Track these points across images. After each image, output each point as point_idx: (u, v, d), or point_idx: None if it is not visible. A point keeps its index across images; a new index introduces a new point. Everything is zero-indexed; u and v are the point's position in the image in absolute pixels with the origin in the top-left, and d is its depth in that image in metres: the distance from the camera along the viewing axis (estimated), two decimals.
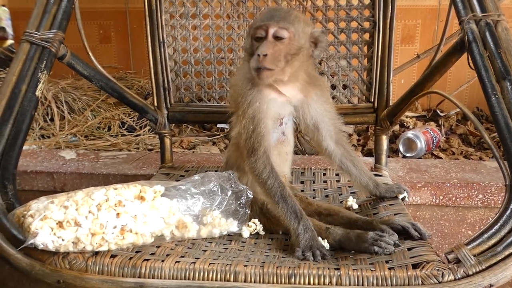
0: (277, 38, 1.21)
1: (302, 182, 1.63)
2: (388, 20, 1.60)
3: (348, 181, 1.58)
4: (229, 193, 1.24)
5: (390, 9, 1.59)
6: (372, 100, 1.65)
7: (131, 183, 1.16)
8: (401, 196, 1.39)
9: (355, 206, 1.40)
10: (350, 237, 1.15)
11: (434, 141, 2.46)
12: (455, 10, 1.25)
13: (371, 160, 1.69)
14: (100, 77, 1.49)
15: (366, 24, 1.63)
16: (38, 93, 1.24)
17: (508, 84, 1.09)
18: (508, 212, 0.99)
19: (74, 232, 1.03)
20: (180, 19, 1.69)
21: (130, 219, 1.09)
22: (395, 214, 1.29)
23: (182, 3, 1.68)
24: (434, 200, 1.96)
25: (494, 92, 1.10)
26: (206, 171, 1.64)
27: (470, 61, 1.19)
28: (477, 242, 0.98)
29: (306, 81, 1.29)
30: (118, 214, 1.08)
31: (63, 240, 1.03)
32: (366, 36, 1.65)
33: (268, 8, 1.34)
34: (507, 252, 0.95)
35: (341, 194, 1.51)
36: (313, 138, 1.37)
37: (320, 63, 1.68)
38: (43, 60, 1.27)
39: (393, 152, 2.53)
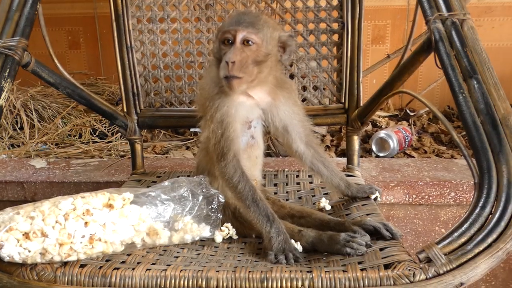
0: (246, 43, 1.19)
1: (275, 185, 1.62)
2: (357, 21, 1.60)
3: (321, 182, 1.58)
4: (200, 198, 1.22)
5: (358, 10, 1.59)
6: (343, 101, 1.66)
7: (100, 191, 1.14)
8: (373, 196, 1.39)
9: (328, 207, 1.40)
10: (322, 239, 1.15)
11: (406, 140, 2.48)
12: (422, 10, 1.26)
13: (344, 160, 1.69)
14: (66, 84, 1.46)
15: (335, 25, 1.64)
16: (1, 102, 1.21)
17: (475, 82, 1.10)
18: (477, 210, 1.00)
19: (41, 243, 1.01)
20: (148, 23, 1.67)
21: (99, 227, 1.07)
22: (367, 215, 1.29)
23: (149, 8, 1.66)
24: (407, 199, 1.98)
25: (461, 90, 1.11)
26: (178, 176, 1.62)
27: (437, 60, 1.19)
28: (447, 241, 0.98)
29: (274, 84, 1.29)
30: (86, 223, 1.06)
31: (29, 251, 1.00)
32: (335, 37, 1.65)
33: (236, 12, 1.33)
34: (476, 250, 0.96)
35: (314, 196, 1.51)
36: (283, 140, 1.37)
37: (291, 65, 1.68)
38: (6, 68, 1.24)
39: (367, 152, 2.54)
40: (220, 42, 1.22)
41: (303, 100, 1.68)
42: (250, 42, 1.19)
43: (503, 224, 0.97)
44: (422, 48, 1.26)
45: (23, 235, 1.00)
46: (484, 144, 1.04)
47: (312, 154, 1.37)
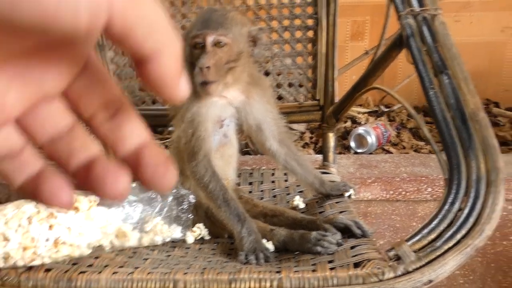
0: (217, 45, 1.17)
1: (250, 183, 1.61)
2: (332, 17, 1.59)
3: (296, 180, 1.57)
4: (170, 198, 1.19)
5: (333, 6, 1.58)
6: (318, 98, 1.65)
7: None
8: (347, 194, 1.38)
9: (302, 206, 1.38)
10: (293, 238, 1.14)
11: (385, 136, 2.48)
12: (394, 5, 1.25)
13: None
14: None
15: (310, 22, 1.62)
16: None
17: (445, 78, 1.09)
18: (446, 207, 0.99)
19: (3, 247, 0.98)
20: None
21: (64, 231, 1.04)
22: (340, 212, 1.28)
23: None
24: (384, 195, 1.97)
25: (432, 86, 1.10)
26: None
27: (409, 56, 1.18)
28: (417, 237, 0.98)
29: (248, 82, 1.27)
30: (50, 226, 1.02)
31: None
32: (310, 33, 1.64)
33: (202, 11, 1.31)
34: (446, 247, 0.95)
35: (289, 194, 1.50)
36: (256, 138, 1.35)
37: (267, 62, 1.67)
38: None
39: (346, 148, 2.54)
40: (191, 47, 1.20)
41: (279, 98, 1.67)
42: (221, 43, 1.17)
43: (471, 220, 0.96)
44: (395, 44, 1.25)
45: None
46: (453, 139, 1.04)
47: (286, 152, 1.35)
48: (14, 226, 1.00)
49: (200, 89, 1.18)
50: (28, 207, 1.03)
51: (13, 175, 0.43)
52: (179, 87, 0.39)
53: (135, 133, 0.42)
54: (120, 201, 1.14)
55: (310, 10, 1.63)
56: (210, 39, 1.17)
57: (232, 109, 1.28)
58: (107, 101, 0.42)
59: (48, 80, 0.40)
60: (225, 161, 1.33)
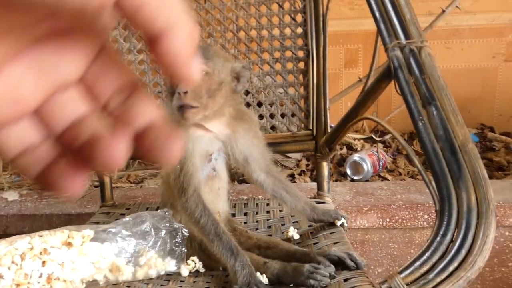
0: None
1: (245, 214, 1.61)
2: (321, 48, 1.61)
3: (285, 209, 1.57)
4: (163, 232, 1.21)
5: (322, 38, 1.61)
6: (311, 128, 1.66)
7: (59, 229, 1.12)
8: (338, 223, 1.37)
9: (296, 236, 1.38)
10: (287, 271, 1.14)
11: (381, 162, 2.48)
12: (381, 38, 1.27)
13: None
14: None
15: (300, 53, 1.65)
16: None
17: (434, 109, 1.11)
18: (438, 238, 0.99)
19: None
20: None
21: (57, 266, 1.05)
22: (334, 243, 1.28)
23: (115, 40, 1.66)
24: (381, 223, 1.97)
25: (421, 117, 1.11)
26: (147, 208, 1.61)
27: (397, 87, 1.20)
28: (409, 270, 0.98)
29: (233, 116, 1.28)
30: (43, 262, 1.04)
31: None
32: (301, 64, 1.66)
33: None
34: (438, 280, 0.95)
35: (284, 224, 1.50)
36: (243, 171, 1.36)
37: (259, 93, 1.68)
38: None
39: (342, 175, 2.55)
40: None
41: (272, 128, 1.68)
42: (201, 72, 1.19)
43: (463, 252, 0.97)
44: (384, 75, 1.26)
45: None
46: (443, 171, 1.05)
47: (273, 182, 1.36)
48: (7, 263, 1.01)
49: (178, 114, 1.17)
50: (21, 243, 1.04)
51: (30, 168, 0.42)
52: (192, 66, 0.38)
53: (146, 112, 0.41)
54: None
55: (300, 42, 1.65)
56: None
57: (219, 143, 1.29)
58: (122, 84, 0.42)
59: (64, 67, 0.39)
60: (214, 194, 1.33)
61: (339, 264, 1.15)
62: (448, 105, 1.11)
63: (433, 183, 1.06)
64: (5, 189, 2.49)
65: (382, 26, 1.25)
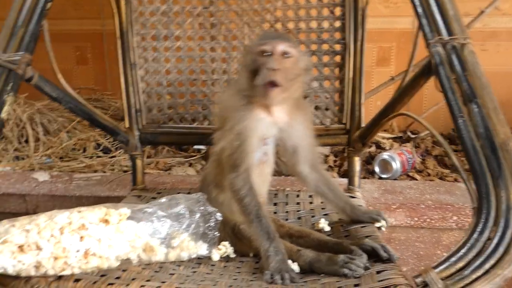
0: (284, 55, 1.21)
1: (275, 204, 1.62)
2: (359, 43, 1.61)
3: (321, 202, 1.58)
4: (198, 215, 1.22)
5: (360, 32, 1.60)
6: (344, 122, 1.66)
7: (96, 206, 1.14)
8: (378, 225, 1.36)
9: (327, 228, 1.39)
10: (321, 259, 1.14)
11: (410, 162, 2.47)
12: (423, 33, 1.26)
13: (346, 181, 1.68)
14: (69, 99, 1.48)
15: (337, 47, 1.64)
16: (3, 115, 1.23)
17: (475, 106, 1.10)
18: (475, 235, 0.99)
19: (36, 256, 1.01)
20: (152, 41, 1.69)
21: (94, 242, 1.07)
22: (366, 237, 1.28)
23: (154, 25, 1.68)
24: (409, 222, 1.96)
25: (461, 114, 1.10)
26: (177, 193, 1.62)
27: (438, 84, 1.19)
28: (444, 265, 0.98)
29: (293, 104, 1.30)
30: (81, 237, 1.06)
31: (23, 264, 1.00)
32: (338, 58, 1.66)
33: (266, 31, 1.34)
34: (474, 276, 0.94)
35: (314, 216, 1.50)
36: (289, 161, 1.37)
37: None
38: (9, 82, 1.26)
39: (370, 173, 2.53)
40: (257, 54, 1.22)
41: None
42: (288, 54, 1.22)
43: (501, 249, 0.96)
44: (423, 71, 1.26)
45: (18, 247, 1.00)
46: (483, 168, 1.04)
47: (317, 177, 1.37)
48: (47, 236, 1.03)
49: (262, 91, 1.20)
50: (60, 218, 1.07)
51: None
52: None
53: None
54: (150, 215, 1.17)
55: (338, 35, 1.65)
56: (280, 47, 1.21)
57: (276, 129, 1.30)
58: None
59: None
60: (262, 178, 1.34)
61: (371, 255, 1.15)
62: (490, 103, 1.10)
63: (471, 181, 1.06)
64: (36, 169, 2.54)
65: (424, 21, 1.24)
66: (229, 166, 1.22)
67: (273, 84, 1.19)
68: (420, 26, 1.26)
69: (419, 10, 1.25)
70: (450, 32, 1.21)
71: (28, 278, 1.04)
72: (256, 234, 1.17)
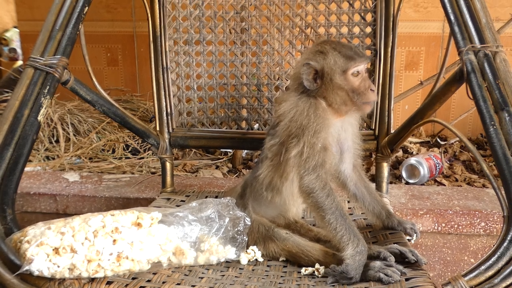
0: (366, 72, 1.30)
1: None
2: (389, 49, 1.61)
3: (349, 208, 1.58)
4: (227, 220, 1.24)
5: (391, 38, 1.60)
6: (373, 128, 1.66)
7: (129, 209, 1.16)
8: (409, 238, 1.36)
9: None
10: None
11: (437, 167, 2.45)
12: (454, 41, 1.25)
13: (373, 186, 1.68)
14: (103, 102, 1.50)
15: (368, 52, 1.64)
16: (40, 118, 1.26)
17: (506, 115, 1.09)
18: (505, 244, 0.99)
19: (70, 258, 1.04)
20: (184, 45, 1.71)
21: (127, 245, 1.09)
22: (394, 243, 1.28)
23: (186, 30, 1.70)
24: (436, 228, 1.95)
25: (492, 122, 1.10)
26: (206, 197, 1.64)
27: (469, 91, 1.19)
28: (474, 273, 0.98)
29: None
30: (114, 240, 1.08)
31: (58, 266, 1.03)
32: (368, 64, 1.65)
33: (338, 42, 1.35)
34: (504, 284, 0.94)
35: None
36: (334, 160, 1.37)
37: None
38: (46, 85, 1.28)
39: (396, 178, 2.53)
40: (350, 74, 1.26)
41: None
42: (367, 70, 1.31)
43: None
44: (454, 78, 1.26)
45: (53, 250, 1.03)
46: None
47: (357, 178, 1.39)
48: (81, 239, 1.06)
49: (364, 107, 1.28)
50: (94, 221, 1.09)
51: None
52: None
53: None
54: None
55: (368, 41, 1.65)
56: (365, 67, 1.29)
57: (343, 133, 1.33)
58: None
59: None
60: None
61: (399, 261, 1.16)
62: None
63: (501, 188, 1.05)
64: (66, 169, 2.59)
65: (456, 29, 1.24)
66: (307, 168, 1.21)
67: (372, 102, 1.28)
68: (452, 33, 1.26)
69: (452, 17, 1.25)
70: (482, 40, 1.21)
71: (62, 280, 1.06)
72: (341, 231, 1.16)
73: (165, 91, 1.71)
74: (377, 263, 1.12)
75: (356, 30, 1.66)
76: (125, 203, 2.14)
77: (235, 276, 1.18)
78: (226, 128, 1.75)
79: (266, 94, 1.72)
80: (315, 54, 1.28)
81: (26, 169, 2.56)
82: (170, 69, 1.70)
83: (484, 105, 1.13)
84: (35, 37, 1.35)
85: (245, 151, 2.84)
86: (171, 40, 1.70)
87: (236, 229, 1.25)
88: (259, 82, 1.72)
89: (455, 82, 1.26)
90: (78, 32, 1.39)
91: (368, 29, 1.64)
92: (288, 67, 1.71)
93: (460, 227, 1.94)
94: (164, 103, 1.72)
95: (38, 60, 1.30)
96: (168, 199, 1.66)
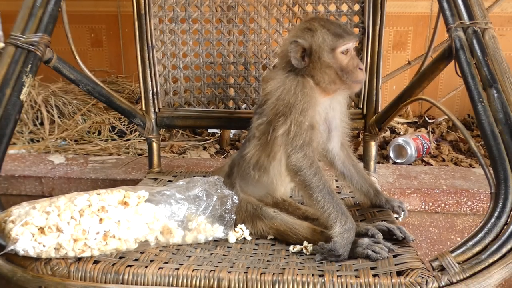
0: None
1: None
2: (378, 27, 1.60)
3: (337, 186, 1.58)
4: (215, 198, 1.23)
5: (379, 16, 1.59)
6: (361, 106, 1.65)
7: (115, 188, 1.15)
8: (397, 216, 1.37)
9: None
10: None
11: (424, 147, 2.46)
12: (443, 17, 1.25)
13: (361, 165, 1.68)
14: (87, 81, 1.48)
15: (356, 31, 1.63)
16: (22, 97, 1.23)
17: (494, 91, 1.09)
18: (492, 220, 0.99)
19: (56, 238, 1.02)
20: (169, 23, 1.68)
21: (113, 224, 1.08)
22: (382, 220, 1.28)
23: (171, 8, 1.67)
24: (423, 207, 1.96)
25: (481, 99, 1.10)
26: (194, 176, 1.63)
27: (458, 68, 1.18)
28: (461, 249, 0.98)
29: None
30: (101, 219, 1.07)
31: (44, 246, 1.01)
32: (356, 42, 1.64)
33: (326, 20, 1.33)
34: (491, 260, 0.95)
35: None
36: (321, 138, 1.36)
37: None
38: (28, 64, 1.26)
39: (384, 158, 2.53)
40: (338, 53, 1.24)
41: None
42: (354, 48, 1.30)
43: None
44: (443, 55, 1.25)
45: (38, 229, 1.02)
46: (501, 154, 1.04)
47: (345, 156, 1.39)
48: (67, 218, 1.05)
49: (354, 85, 1.27)
50: (80, 200, 1.08)
51: None
52: None
53: None
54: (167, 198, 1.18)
55: (356, 19, 1.64)
56: (354, 45, 1.27)
57: (329, 110, 1.32)
58: None
59: None
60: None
61: (387, 237, 1.16)
62: (510, 88, 1.09)
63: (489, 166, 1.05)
64: (51, 152, 2.56)
65: (445, 5, 1.23)
66: (295, 146, 1.20)
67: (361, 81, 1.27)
68: (441, 10, 1.25)
69: None
70: (471, 16, 1.20)
71: (48, 260, 1.05)
72: (329, 209, 1.15)
73: (150, 70, 1.69)
74: (365, 240, 1.12)
75: (344, 7, 1.64)
76: (112, 185, 2.12)
77: (223, 255, 1.17)
78: (213, 108, 1.74)
79: (254, 73, 1.71)
80: (303, 31, 1.26)
81: (10, 151, 2.53)
82: (155, 47, 1.68)
83: (473, 82, 1.13)
84: (16, 17, 1.32)
85: (233, 132, 2.83)
86: (156, 18, 1.67)
87: (224, 208, 1.24)
88: (246, 61, 1.70)
89: (443, 60, 1.26)
90: (60, 10, 1.36)
91: (356, 7, 1.63)
92: (276, 46, 1.69)
93: (447, 206, 1.95)
94: (150, 82, 1.69)
95: (19, 38, 1.28)
96: (155, 179, 1.64)
